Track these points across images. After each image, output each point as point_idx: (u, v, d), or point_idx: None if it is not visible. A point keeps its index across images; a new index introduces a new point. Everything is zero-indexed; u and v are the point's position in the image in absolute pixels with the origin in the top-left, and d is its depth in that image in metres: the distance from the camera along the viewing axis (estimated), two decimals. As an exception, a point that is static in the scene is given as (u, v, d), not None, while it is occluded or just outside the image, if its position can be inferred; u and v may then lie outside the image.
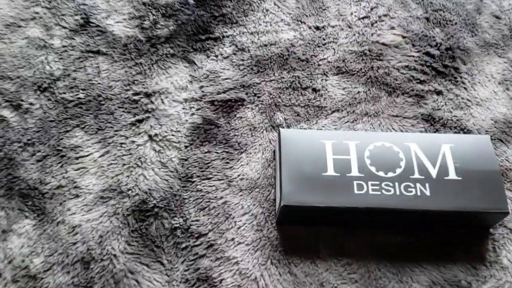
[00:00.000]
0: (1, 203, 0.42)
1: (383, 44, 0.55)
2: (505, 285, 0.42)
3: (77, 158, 0.45)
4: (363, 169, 0.42)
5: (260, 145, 0.47)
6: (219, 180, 0.45)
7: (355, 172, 0.42)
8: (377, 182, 0.42)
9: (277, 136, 0.45)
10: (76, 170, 0.44)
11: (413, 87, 0.53)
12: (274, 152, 0.47)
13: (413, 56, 0.55)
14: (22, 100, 0.47)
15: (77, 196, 0.43)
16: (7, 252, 0.39)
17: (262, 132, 0.48)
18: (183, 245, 0.41)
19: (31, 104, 0.47)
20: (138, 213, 0.42)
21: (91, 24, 0.53)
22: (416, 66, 0.54)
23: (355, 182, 0.42)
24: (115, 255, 0.40)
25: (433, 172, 0.43)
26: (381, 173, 0.42)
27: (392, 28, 0.57)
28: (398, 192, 0.42)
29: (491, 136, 0.50)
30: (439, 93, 0.52)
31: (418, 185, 0.42)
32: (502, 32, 0.58)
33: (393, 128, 0.50)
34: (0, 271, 0.39)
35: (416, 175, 0.43)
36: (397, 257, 0.43)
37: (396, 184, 0.42)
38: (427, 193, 0.42)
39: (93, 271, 0.40)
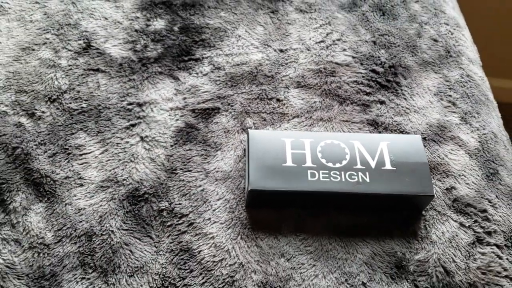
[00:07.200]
0: (21, 189, 0.51)
1: (336, 63, 0.67)
2: (433, 255, 0.51)
3: (81, 155, 0.54)
4: (315, 161, 0.52)
5: (232, 144, 0.57)
6: (198, 172, 0.55)
7: (309, 163, 0.52)
8: (327, 171, 0.52)
9: (247, 136, 0.55)
10: (80, 164, 0.53)
11: (360, 98, 0.63)
12: (244, 150, 0.57)
13: (361, 73, 0.66)
14: (35, 109, 0.57)
15: (81, 185, 0.52)
16: (27, 225, 0.49)
17: (235, 134, 0.58)
18: (168, 223, 0.51)
19: (43, 112, 0.57)
20: (131, 198, 0.52)
21: (92, 47, 0.63)
22: (363, 81, 0.65)
23: (308, 171, 0.52)
24: (112, 231, 0.49)
25: (372, 164, 0.53)
26: (330, 164, 0.52)
27: (344, 50, 0.68)
28: (343, 179, 0.51)
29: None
30: (382, 102, 0.63)
31: (360, 173, 0.52)
32: (439, 52, 0.70)
33: (343, 131, 0.60)
34: (20, 240, 0.47)
35: (359, 166, 0.52)
36: (346, 234, 0.52)
37: (342, 172, 0.52)
38: (367, 180, 0.52)
39: (95, 243, 0.48)
